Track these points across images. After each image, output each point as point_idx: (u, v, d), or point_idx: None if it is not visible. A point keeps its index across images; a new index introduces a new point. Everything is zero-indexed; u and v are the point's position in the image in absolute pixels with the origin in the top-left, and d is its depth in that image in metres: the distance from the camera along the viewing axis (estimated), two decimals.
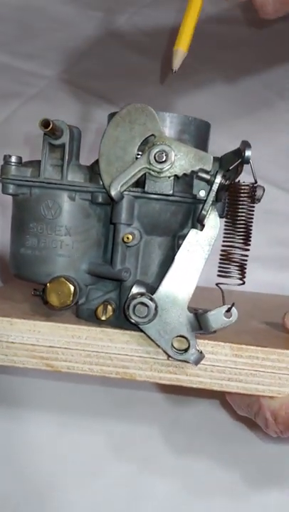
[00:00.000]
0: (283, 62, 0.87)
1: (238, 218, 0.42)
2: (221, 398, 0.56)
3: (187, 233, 0.44)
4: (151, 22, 0.89)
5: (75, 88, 0.86)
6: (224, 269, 0.43)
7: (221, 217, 0.45)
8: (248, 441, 0.56)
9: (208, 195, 0.43)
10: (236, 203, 0.42)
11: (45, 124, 0.42)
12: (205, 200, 0.43)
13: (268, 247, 0.76)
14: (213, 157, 0.45)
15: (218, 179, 0.42)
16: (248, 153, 0.41)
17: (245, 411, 0.48)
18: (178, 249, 0.45)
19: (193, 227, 0.46)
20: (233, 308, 0.42)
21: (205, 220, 0.43)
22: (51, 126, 0.42)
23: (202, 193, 0.45)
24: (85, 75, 0.87)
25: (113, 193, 0.43)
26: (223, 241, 0.43)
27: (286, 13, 0.56)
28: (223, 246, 0.43)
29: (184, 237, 0.45)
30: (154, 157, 0.43)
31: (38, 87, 0.87)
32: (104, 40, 0.90)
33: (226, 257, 0.43)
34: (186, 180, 0.45)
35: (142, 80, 0.85)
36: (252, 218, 0.42)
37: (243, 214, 0.42)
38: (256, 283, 0.68)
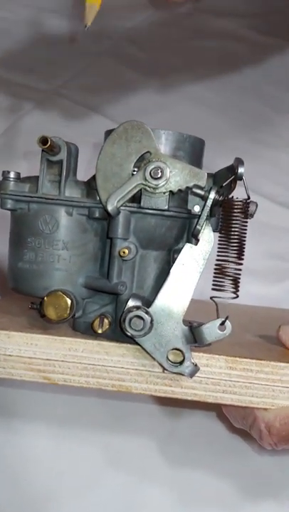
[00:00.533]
0: (279, 76, 0.89)
1: (232, 233, 0.43)
2: (218, 410, 0.57)
3: (182, 247, 0.45)
4: (147, 37, 0.91)
5: (72, 102, 0.88)
6: (218, 283, 0.44)
7: (214, 231, 0.46)
8: (243, 453, 0.56)
9: (202, 210, 0.44)
10: (230, 219, 0.43)
11: (43, 141, 0.43)
12: (199, 216, 0.44)
13: (262, 260, 0.77)
14: (208, 173, 0.46)
15: (212, 195, 0.43)
16: (241, 169, 0.42)
17: (240, 423, 0.49)
18: (173, 263, 0.46)
19: (188, 241, 0.47)
20: (227, 321, 0.42)
21: (199, 235, 0.44)
22: (49, 143, 0.43)
23: (196, 208, 0.46)
24: (82, 89, 0.88)
25: (110, 208, 0.44)
26: (217, 255, 0.44)
27: None
28: (217, 260, 0.44)
29: (179, 251, 0.46)
30: (150, 173, 0.44)
31: (36, 101, 0.88)
32: (101, 55, 0.91)
33: (220, 271, 0.44)
34: (180, 196, 0.46)
35: (138, 94, 0.86)
36: (245, 233, 0.43)
37: (237, 229, 0.43)
38: (251, 296, 0.69)
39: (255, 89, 0.87)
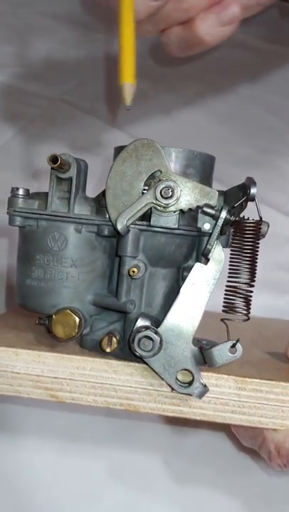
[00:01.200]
0: (285, 85, 0.88)
1: (244, 255, 0.43)
2: (226, 429, 0.56)
3: (192, 265, 0.45)
4: (151, 46, 0.90)
5: (77, 110, 0.87)
6: (229, 304, 0.43)
7: (224, 247, 0.46)
8: (251, 472, 0.56)
9: (213, 230, 0.44)
10: (242, 240, 0.43)
11: (54, 159, 0.43)
12: (210, 235, 0.44)
13: (268, 270, 0.76)
14: (218, 191, 0.45)
15: (224, 214, 0.43)
16: (253, 190, 0.42)
17: (249, 442, 0.48)
18: (182, 280, 0.45)
19: (198, 259, 0.46)
20: (238, 344, 0.42)
21: (210, 255, 0.43)
22: (59, 161, 0.43)
23: (207, 226, 0.46)
24: (87, 96, 0.88)
25: (119, 227, 0.44)
26: (229, 276, 0.44)
27: (193, 53, 0.54)
28: (228, 281, 0.44)
29: (188, 268, 0.45)
30: (160, 193, 0.43)
31: (41, 109, 0.87)
32: (107, 62, 0.91)
33: (231, 293, 0.43)
34: (191, 214, 0.45)
35: (145, 103, 0.86)
36: (257, 254, 0.43)
37: (249, 251, 0.42)
38: (257, 307, 0.69)
39: (261, 97, 0.87)
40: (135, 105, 0.84)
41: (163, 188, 0.43)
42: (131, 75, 0.44)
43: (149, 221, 0.45)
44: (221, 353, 0.42)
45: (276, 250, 0.78)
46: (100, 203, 0.46)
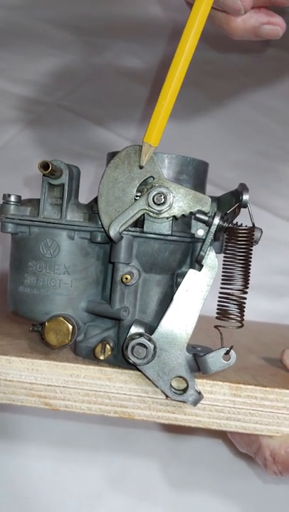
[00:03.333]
0: (284, 89, 0.88)
1: (237, 262, 0.42)
2: (224, 435, 0.56)
3: (186, 271, 0.44)
4: (149, 50, 0.90)
5: (74, 114, 0.87)
6: (223, 312, 0.43)
7: (218, 253, 0.46)
8: (247, 478, 0.56)
9: (206, 236, 0.43)
10: (235, 247, 0.42)
11: (45, 166, 0.42)
12: (203, 241, 0.44)
13: (265, 275, 0.76)
14: (211, 197, 0.45)
15: (217, 221, 0.43)
16: (245, 197, 0.42)
17: (245, 449, 0.48)
18: (176, 287, 0.45)
19: (192, 265, 0.46)
20: (232, 351, 0.42)
21: (203, 261, 0.43)
22: (50, 168, 0.42)
23: (200, 232, 0.45)
24: (84, 101, 0.88)
25: (112, 234, 0.43)
26: (222, 283, 0.43)
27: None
28: (221, 288, 0.43)
29: (182, 275, 0.45)
30: (153, 199, 0.43)
31: (37, 113, 0.87)
32: (103, 67, 0.90)
33: (224, 300, 0.43)
34: (184, 220, 0.45)
35: (142, 106, 0.86)
36: (250, 260, 0.43)
37: (242, 258, 0.42)
38: (254, 311, 0.68)
39: (259, 101, 0.86)
40: (133, 108, 0.84)
41: (155, 194, 0.43)
42: (157, 138, 0.43)
43: (142, 227, 0.44)
44: (215, 360, 0.42)
45: (273, 254, 0.78)
46: (92, 209, 0.46)
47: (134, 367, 0.44)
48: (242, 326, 0.43)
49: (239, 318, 0.42)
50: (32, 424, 0.59)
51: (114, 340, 0.47)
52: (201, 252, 0.43)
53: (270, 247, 0.78)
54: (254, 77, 0.87)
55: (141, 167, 0.43)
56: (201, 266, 0.44)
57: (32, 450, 0.58)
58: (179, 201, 0.43)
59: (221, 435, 0.56)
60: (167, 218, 0.44)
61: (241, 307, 0.43)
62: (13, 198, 0.46)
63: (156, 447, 0.58)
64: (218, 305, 0.43)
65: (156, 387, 0.44)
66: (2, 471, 0.57)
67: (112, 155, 0.45)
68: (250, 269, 0.42)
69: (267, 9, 0.47)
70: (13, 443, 0.58)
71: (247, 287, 0.42)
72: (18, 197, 0.47)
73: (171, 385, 0.44)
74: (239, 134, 0.85)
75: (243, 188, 0.42)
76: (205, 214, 0.43)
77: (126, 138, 0.80)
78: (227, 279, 0.43)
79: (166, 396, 0.44)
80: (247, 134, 0.85)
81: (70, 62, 0.89)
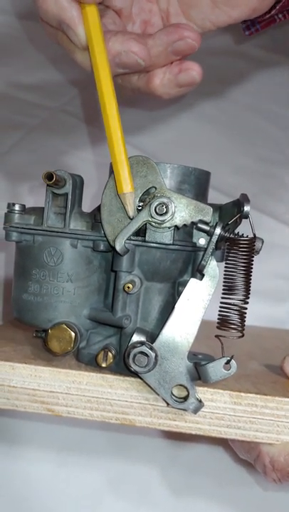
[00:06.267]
0: (284, 94, 0.88)
1: (238, 272, 0.43)
2: (224, 442, 0.56)
3: (187, 279, 0.45)
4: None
5: (77, 120, 0.87)
6: (223, 322, 0.43)
7: (219, 262, 0.46)
8: (247, 485, 0.56)
9: (207, 246, 0.44)
10: (236, 257, 0.43)
11: (49, 176, 0.43)
12: (205, 251, 0.44)
13: (267, 279, 0.76)
14: (213, 205, 0.45)
15: (218, 231, 0.43)
16: (246, 208, 0.42)
17: (245, 456, 0.48)
18: (178, 295, 0.46)
19: (193, 274, 0.47)
20: (233, 360, 0.42)
21: (204, 270, 0.44)
22: (55, 178, 0.43)
23: (202, 241, 0.46)
24: (88, 107, 0.88)
25: (118, 248, 0.44)
26: (223, 292, 0.44)
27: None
28: (222, 297, 0.44)
29: (184, 283, 0.45)
30: (155, 210, 0.43)
31: (41, 118, 0.87)
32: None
33: (225, 309, 0.43)
34: (185, 229, 0.46)
35: (141, 111, 0.86)
36: (251, 271, 0.43)
37: (243, 268, 0.42)
38: (255, 316, 0.69)
39: (260, 106, 0.87)
40: (139, 114, 0.84)
41: (157, 205, 0.43)
42: (128, 184, 0.43)
43: (144, 236, 0.45)
44: (216, 369, 0.42)
45: (274, 259, 0.79)
46: (95, 218, 0.46)
47: (135, 374, 0.45)
48: (242, 336, 0.43)
49: (240, 328, 0.43)
50: (33, 429, 0.59)
51: (116, 347, 0.47)
52: (203, 262, 0.44)
53: (272, 252, 0.78)
54: (257, 82, 0.87)
55: (131, 217, 0.44)
56: (203, 275, 0.44)
57: (33, 455, 0.59)
58: (181, 211, 0.44)
59: (221, 442, 0.57)
60: (169, 228, 0.44)
61: (242, 317, 0.43)
62: (17, 207, 0.47)
63: (156, 453, 0.59)
64: (219, 314, 0.44)
65: (158, 394, 0.45)
66: (3, 475, 0.58)
67: None
68: (251, 279, 0.43)
69: (180, 60, 0.47)
70: (14, 448, 0.59)
71: (248, 297, 0.43)
72: (23, 206, 0.47)
73: (172, 393, 0.44)
74: (242, 140, 0.85)
75: (244, 199, 0.43)
76: (206, 224, 0.44)
77: (133, 145, 0.80)
78: (228, 289, 0.43)
79: (168, 404, 0.45)
80: (249, 139, 0.86)
81: (75, 67, 0.89)
